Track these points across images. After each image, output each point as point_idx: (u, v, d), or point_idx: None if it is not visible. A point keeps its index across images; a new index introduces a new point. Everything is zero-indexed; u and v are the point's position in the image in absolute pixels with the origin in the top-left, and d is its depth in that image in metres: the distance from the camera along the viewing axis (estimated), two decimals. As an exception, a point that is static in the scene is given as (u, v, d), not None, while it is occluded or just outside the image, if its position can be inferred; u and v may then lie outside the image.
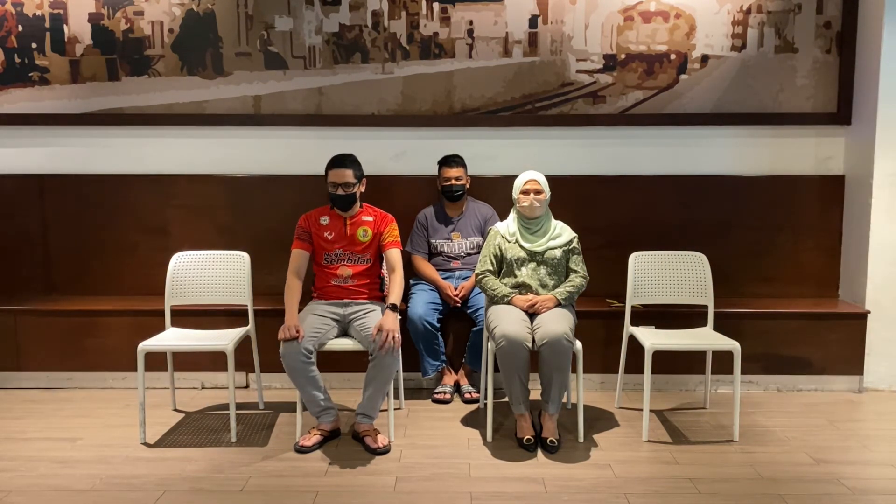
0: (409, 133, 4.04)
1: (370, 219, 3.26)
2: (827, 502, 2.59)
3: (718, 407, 3.53)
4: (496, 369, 3.15)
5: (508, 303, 3.16)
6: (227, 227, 4.06)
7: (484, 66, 4.00)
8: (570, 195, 3.79)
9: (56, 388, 3.83)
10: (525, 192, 3.22)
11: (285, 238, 3.32)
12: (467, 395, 3.61)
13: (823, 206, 4.06)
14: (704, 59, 3.97)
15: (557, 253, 3.22)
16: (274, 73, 4.00)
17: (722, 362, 3.38)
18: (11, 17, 3.96)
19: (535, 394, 3.17)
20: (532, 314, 3.13)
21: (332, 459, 2.93)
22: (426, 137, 4.03)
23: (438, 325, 3.59)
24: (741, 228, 4.05)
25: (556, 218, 3.33)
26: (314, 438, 3.05)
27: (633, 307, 3.45)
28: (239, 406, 3.39)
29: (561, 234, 3.27)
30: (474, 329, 3.60)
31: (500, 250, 3.25)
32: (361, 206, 3.28)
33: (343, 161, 3.19)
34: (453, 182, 3.73)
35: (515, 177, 3.29)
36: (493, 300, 3.21)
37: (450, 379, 3.70)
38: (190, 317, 3.52)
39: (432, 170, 3.86)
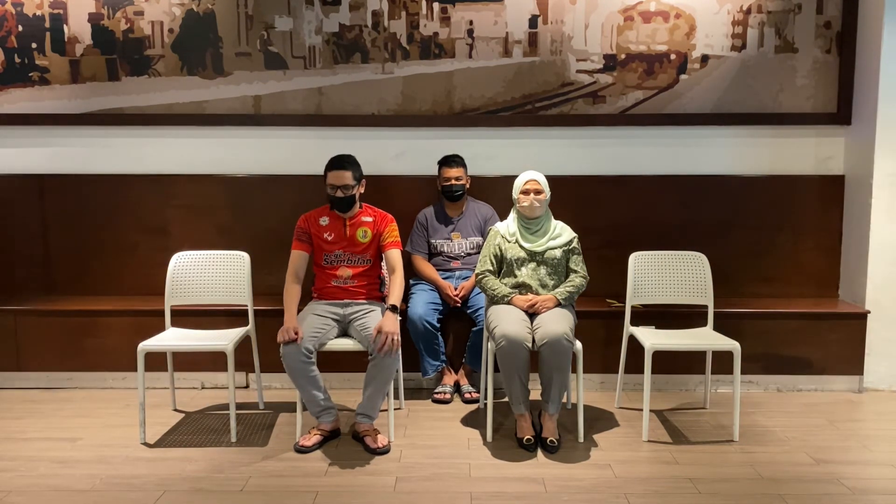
0: (409, 133, 4.04)
1: (370, 219, 3.26)
2: (827, 502, 2.59)
3: (718, 407, 3.53)
4: (496, 369, 3.15)
5: (508, 303, 3.16)
6: (227, 227, 4.06)
7: (484, 66, 4.00)
8: (570, 195, 3.79)
9: (56, 388, 3.83)
10: (525, 192, 3.22)
11: (285, 238, 3.32)
12: (467, 395, 3.61)
13: (823, 206, 4.06)
14: (704, 59, 3.97)
15: (557, 253, 3.22)
16: (274, 73, 4.00)
17: (722, 362, 3.38)
18: (11, 17, 3.96)
19: (535, 394, 3.17)
20: (532, 314, 3.13)
21: (332, 459, 2.93)
22: (426, 137, 4.03)
23: (438, 325, 3.59)
24: (741, 228, 4.05)
25: (556, 218, 3.33)
26: (314, 438, 3.05)
27: (633, 307, 3.45)
28: (239, 406, 3.39)
29: (561, 234, 3.27)
30: (474, 329, 3.60)
31: (500, 250, 3.25)
32: (361, 207, 3.27)
33: (342, 163, 3.17)
34: (453, 182, 3.73)
35: (515, 177, 3.29)
36: (493, 300, 3.21)
37: (450, 379, 3.70)
38: (190, 317, 3.52)
39: (432, 170, 3.86)
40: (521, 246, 3.23)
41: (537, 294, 3.18)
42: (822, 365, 3.78)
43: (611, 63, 3.99)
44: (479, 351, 3.53)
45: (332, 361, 3.39)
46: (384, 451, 2.98)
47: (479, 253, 3.58)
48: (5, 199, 4.07)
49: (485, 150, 4.03)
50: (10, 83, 4.00)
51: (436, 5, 3.95)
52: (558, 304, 3.14)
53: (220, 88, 4.00)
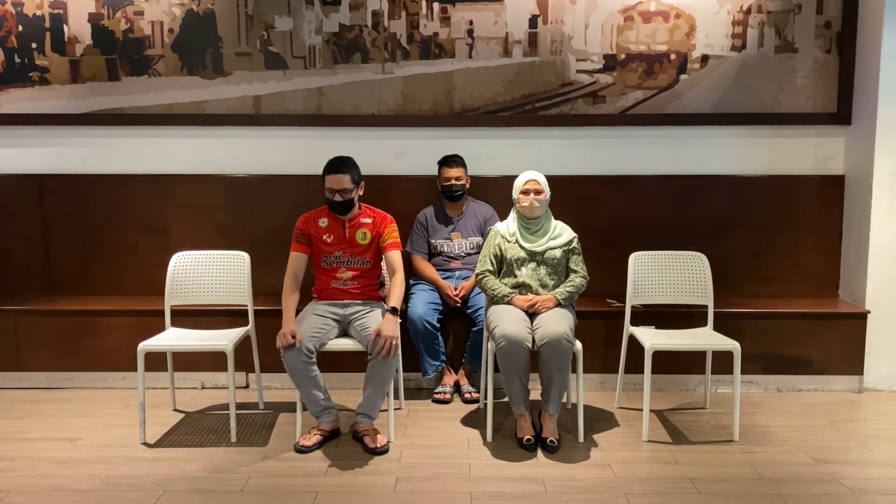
0: (409, 133, 4.04)
1: (369, 220, 3.24)
2: (827, 502, 2.59)
3: (718, 407, 3.53)
4: (496, 369, 3.15)
5: (508, 303, 3.16)
6: (227, 227, 4.06)
7: (484, 66, 4.00)
8: (570, 195, 3.79)
9: (56, 388, 3.83)
10: (525, 192, 3.22)
11: (285, 238, 3.31)
12: (467, 395, 3.61)
13: (823, 206, 4.06)
14: (704, 59, 3.97)
15: (557, 253, 3.22)
16: (274, 73, 4.00)
17: (722, 362, 3.38)
18: (11, 17, 3.96)
19: (535, 394, 3.17)
20: (532, 314, 3.13)
21: (332, 459, 2.93)
22: (426, 137, 4.03)
23: (438, 325, 3.59)
24: (741, 228, 4.05)
25: (556, 218, 3.33)
26: (314, 438, 3.05)
27: (633, 307, 3.45)
28: (239, 406, 3.39)
29: (561, 234, 3.27)
30: (474, 329, 3.60)
31: (500, 250, 3.25)
32: (360, 208, 3.26)
33: (340, 166, 3.11)
34: (453, 182, 3.73)
35: (515, 177, 3.29)
36: (493, 300, 3.21)
37: (450, 379, 3.70)
38: (190, 317, 3.52)
39: (432, 170, 3.86)
40: (521, 246, 3.23)
41: (537, 294, 3.18)
42: (822, 365, 3.78)
43: (611, 63, 3.99)
44: (479, 351, 3.53)
45: (332, 361, 3.38)
46: (384, 451, 2.98)
47: (479, 253, 3.58)
48: (5, 199, 4.07)
49: (485, 150, 4.03)
50: (10, 83, 4.00)
51: (436, 5, 3.95)
52: (558, 304, 3.14)
53: (220, 88, 4.00)
